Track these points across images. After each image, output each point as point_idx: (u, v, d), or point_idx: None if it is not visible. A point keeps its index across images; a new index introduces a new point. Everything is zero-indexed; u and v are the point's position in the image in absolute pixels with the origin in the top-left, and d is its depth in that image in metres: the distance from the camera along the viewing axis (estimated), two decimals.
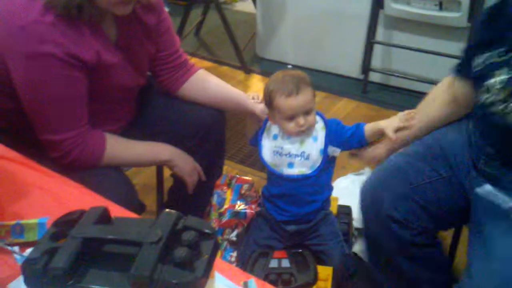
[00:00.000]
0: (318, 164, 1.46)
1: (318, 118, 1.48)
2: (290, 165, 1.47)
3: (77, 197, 1.13)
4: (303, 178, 1.47)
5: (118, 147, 1.46)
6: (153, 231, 0.83)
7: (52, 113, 1.35)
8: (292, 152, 1.46)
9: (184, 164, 1.57)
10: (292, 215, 1.52)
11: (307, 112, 1.42)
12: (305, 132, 1.44)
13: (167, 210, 0.87)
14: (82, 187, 1.17)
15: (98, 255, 0.81)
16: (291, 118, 1.41)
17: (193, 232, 0.84)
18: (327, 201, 1.57)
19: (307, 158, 1.46)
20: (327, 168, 1.50)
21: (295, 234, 1.54)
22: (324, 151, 1.46)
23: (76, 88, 1.34)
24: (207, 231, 0.87)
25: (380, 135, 1.50)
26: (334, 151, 1.48)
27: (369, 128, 1.49)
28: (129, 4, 1.33)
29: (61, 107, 1.34)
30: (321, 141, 1.46)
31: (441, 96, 1.49)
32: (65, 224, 0.87)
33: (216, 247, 0.85)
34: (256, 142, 1.55)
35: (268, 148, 1.49)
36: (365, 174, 2.29)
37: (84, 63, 1.32)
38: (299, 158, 1.46)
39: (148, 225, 0.85)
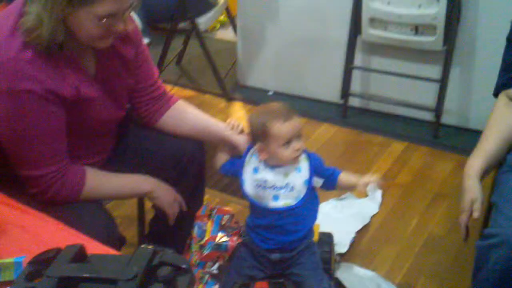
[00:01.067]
0: (302, 194, 1.48)
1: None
2: (275, 197, 1.48)
3: (55, 234, 1.13)
4: (289, 209, 1.48)
5: (98, 181, 1.46)
6: (128, 268, 0.84)
7: (31, 149, 1.35)
8: (277, 185, 1.47)
9: (165, 195, 1.57)
10: (277, 243, 1.53)
11: (299, 136, 1.46)
12: (299, 158, 1.47)
13: (142, 245, 0.88)
14: (60, 223, 1.16)
15: None
16: (288, 143, 1.44)
17: (168, 267, 0.85)
18: (310, 230, 1.58)
19: (292, 189, 1.48)
20: (311, 198, 1.51)
21: (278, 262, 1.55)
22: (309, 182, 1.48)
23: (55, 123, 1.35)
24: (183, 266, 0.87)
25: (351, 188, 1.57)
26: (318, 181, 1.50)
27: (343, 179, 1.52)
28: (110, 37, 1.35)
29: (39, 143, 1.34)
30: (306, 172, 1.48)
31: (499, 109, 1.55)
32: (41, 263, 0.87)
33: (192, 282, 0.86)
34: (226, 171, 1.57)
35: (250, 182, 1.50)
36: (347, 199, 2.31)
37: (63, 99, 1.33)
38: (284, 190, 1.48)
39: (124, 261, 0.86)
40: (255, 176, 1.49)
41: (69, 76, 1.34)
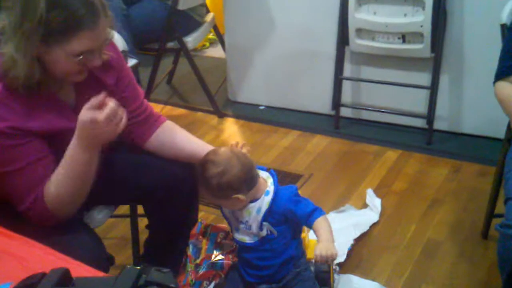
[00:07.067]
0: (259, 236, 1.45)
1: (271, 188, 1.45)
2: (237, 229, 1.48)
3: (42, 258, 1.10)
4: (245, 245, 1.48)
5: (53, 183, 1.34)
6: None
7: (14, 184, 1.32)
8: (240, 218, 1.46)
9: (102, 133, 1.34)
10: (255, 277, 1.50)
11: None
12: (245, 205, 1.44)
13: (128, 266, 0.86)
14: (47, 248, 1.14)
15: None
16: None
17: (155, 287, 0.83)
18: (291, 261, 1.49)
19: (249, 228, 1.45)
20: (278, 237, 1.45)
21: None
22: (260, 227, 1.44)
23: (27, 153, 1.31)
24: (171, 285, 0.85)
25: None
26: (268, 228, 1.44)
27: (315, 230, 1.42)
28: (85, 72, 1.34)
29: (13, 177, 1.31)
30: (261, 215, 1.43)
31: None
32: None
33: None
34: None
35: None
36: (346, 211, 2.28)
37: (34, 133, 1.31)
38: (243, 225, 1.46)
39: (109, 283, 0.84)
40: None
41: (43, 111, 1.32)
